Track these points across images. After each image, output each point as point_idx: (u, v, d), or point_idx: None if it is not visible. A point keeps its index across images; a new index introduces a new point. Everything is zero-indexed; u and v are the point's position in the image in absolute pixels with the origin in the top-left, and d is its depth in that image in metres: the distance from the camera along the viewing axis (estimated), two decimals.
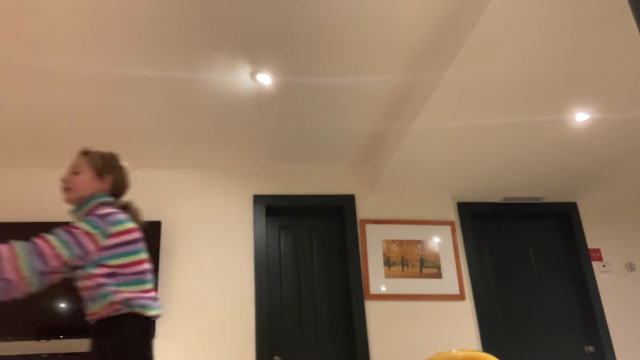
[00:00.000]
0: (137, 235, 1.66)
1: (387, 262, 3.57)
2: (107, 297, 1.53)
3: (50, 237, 1.49)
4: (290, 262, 3.62)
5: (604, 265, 3.89)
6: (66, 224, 1.63)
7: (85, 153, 1.76)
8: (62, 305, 3.07)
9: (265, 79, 2.71)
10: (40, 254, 1.45)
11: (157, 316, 1.63)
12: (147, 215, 3.35)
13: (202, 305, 3.28)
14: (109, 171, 1.76)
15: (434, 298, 3.51)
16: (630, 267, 3.92)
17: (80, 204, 1.69)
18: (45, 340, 3.01)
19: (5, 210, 3.36)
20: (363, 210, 3.73)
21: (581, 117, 2.86)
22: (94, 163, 1.74)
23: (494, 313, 3.72)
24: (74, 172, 1.72)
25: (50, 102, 2.81)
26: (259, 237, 3.52)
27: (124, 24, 2.27)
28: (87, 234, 1.53)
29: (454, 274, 3.60)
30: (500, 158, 3.33)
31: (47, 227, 3.23)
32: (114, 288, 1.54)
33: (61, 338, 3.01)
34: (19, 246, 1.44)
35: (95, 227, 1.55)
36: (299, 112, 3.06)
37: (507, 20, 2.06)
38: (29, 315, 3.01)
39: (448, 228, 3.75)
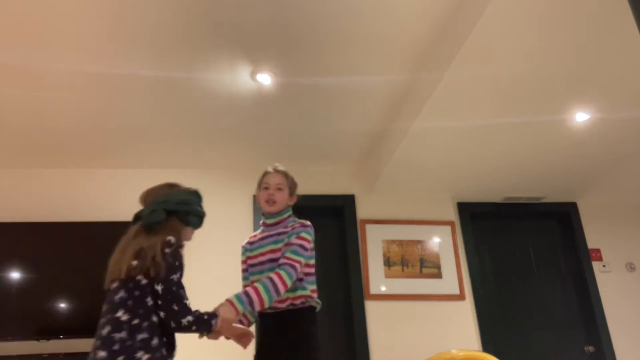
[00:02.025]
0: None
1: (387, 262, 3.57)
2: (301, 290, 1.96)
3: (299, 257, 1.93)
4: None
5: (604, 265, 3.89)
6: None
7: (285, 175, 2.16)
8: (62, 305, 3.07)
9: (265, 79, 2.71)
10: (294, 271, 1.89)
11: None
12: None
13: (202, 305, 3.26)
14: (295, 192, 2.19)
15: (434, 298, 3.51)
16: (630, 267, 3.92)
17: (277, 214, 2.10)
18: (45, 340, 3.01)
19: (5, 210, 3.36)
20: (363, 210, 3.73)
21: (581, 117, 2.86)
22: (290, 184, 2.15)
23: (494, 313, 3.72)
24: (278, 188, 2.11)
25: (50, 102, 2.81)
26: None
27: (124, 24, 2.27)
28: (308, 241, 2.00)
29: (454, 274, 3.60)
30: (500, 158, 3.33)
31: (47, 227, 3.24)
32: (307, 285, 1.99)
33: (61, 338, 3.01)
34: (286, 276, 1.87)
35: (310, 235, 2.02)
36: (298, 112, 3.06)
37: (507, 20, 2.06)
38: (29, 315, 3.01)
39: (448, 228, 3.75)
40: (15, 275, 3.08)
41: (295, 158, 3.67)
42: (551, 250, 4.00)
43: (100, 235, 3.26)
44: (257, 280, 2.00)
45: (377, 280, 3.51)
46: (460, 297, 3.53)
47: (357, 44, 2.48)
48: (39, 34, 2.30)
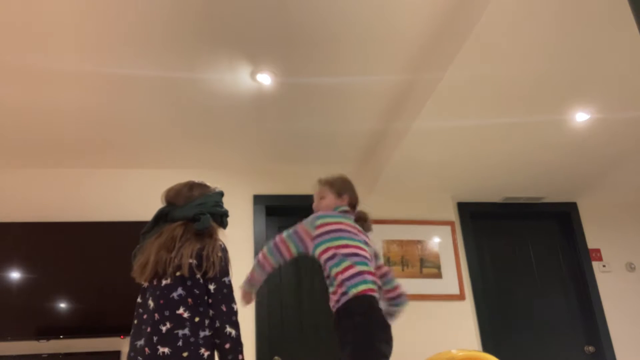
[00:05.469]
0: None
1: (387, 262, 3.57)
2: None
3: None
4: (290, 261, 3.61)
5: (604, 265, 3.89)
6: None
7: (321, 183, 2.22)
8: (62, 305, 3.07)
9: (265, 79, 2.71)
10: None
11: None
12: (147, 216, 3.34)
13: None
14: (344, 192, 2.19)
15: (434, 298, 3.51)
16: (630, 267, 3.92)
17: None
18: (45, 340, 3.01)
19: (5, 210, 3.36)
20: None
21: (581, 117, 2.86)
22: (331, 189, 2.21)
23: (494, 313, 3.72)
24: (321, 197, 2.20)
25: (51, 102, 2.81)
26: (259, 237, 3.52)
27: (124, 23, 2.27)
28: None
29: (454, 274, 3.60)
30: (500, 158, 3.33)
31: (47, 227, 3.23)
32: None
33: (61, 338, 3.01)
34: None
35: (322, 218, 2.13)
36: (299, 112, 3.06)
37: (507, 20, 2.06)
38: (29, 315, 3.01)
39: (448, 228, 3.75)
40: (15, 275, 3.08)
41: (295, 158, 3.67)
42: (551, 250, 4.00)
43: (100, 235, 3.26)
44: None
45: None
46: (460, 297, 3.53)
47: (358, 44, 2.48)
48: (39, 34, 2.30)
